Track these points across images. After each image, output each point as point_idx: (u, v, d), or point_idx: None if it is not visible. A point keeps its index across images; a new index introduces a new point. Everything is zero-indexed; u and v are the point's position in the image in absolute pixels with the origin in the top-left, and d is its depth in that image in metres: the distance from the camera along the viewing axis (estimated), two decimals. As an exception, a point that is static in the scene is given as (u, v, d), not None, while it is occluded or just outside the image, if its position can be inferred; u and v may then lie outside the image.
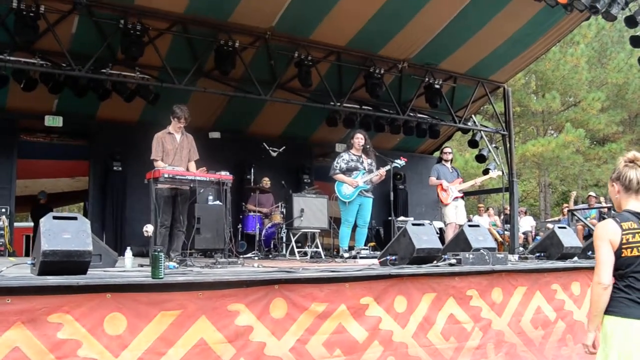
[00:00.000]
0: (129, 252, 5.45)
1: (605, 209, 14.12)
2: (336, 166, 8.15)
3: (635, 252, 3.04)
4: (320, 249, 8.97)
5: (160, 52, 8.96)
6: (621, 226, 3.07)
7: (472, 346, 5.35)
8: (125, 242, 9.57)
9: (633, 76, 23.01)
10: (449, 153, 9.69)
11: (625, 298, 3.06)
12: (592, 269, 6.53)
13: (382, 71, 10.83)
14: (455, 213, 9.13)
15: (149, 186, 6.49)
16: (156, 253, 3.84)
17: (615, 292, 3.09)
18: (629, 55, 22.13)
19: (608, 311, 3.09)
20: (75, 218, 3.93)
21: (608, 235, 3.09)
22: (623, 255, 3.06)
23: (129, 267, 5.24)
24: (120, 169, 10.74)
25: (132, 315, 3.66)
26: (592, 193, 15.17)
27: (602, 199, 15.54)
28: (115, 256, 5.15)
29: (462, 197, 9.35)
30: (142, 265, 5.37)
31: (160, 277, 3.84)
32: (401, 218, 11.88)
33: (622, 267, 3.08)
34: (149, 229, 5.92)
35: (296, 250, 8.84)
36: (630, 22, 9.49)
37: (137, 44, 8.58)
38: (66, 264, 3.73)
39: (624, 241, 3.05)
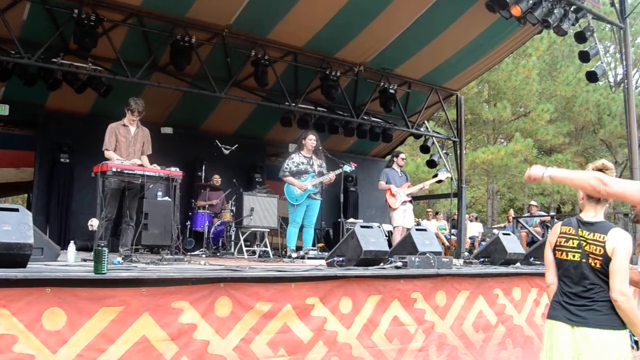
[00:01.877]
0: (72, 246, 5.33)
1: (548, 218, 14.55)
2: (286, 168, 8.11)
3: (564, 256, 3.18)
4: (268, 249, 8.96)
5: (114, 44, 8.79)
6: (561, 229, 3.22)
7: (415, 348, 5.44)
8: (70, 235, 9.36)
9: (581, 90, 23.71)
10: (404, 159, 9.78)
11: (555, 301, 3.22)
12: (532, 275, 6.79)
13: (338, 74, 10.91)
14: (403, 217, 9.24)
15: (96, 179, 6.37)
16: (99, 248, 3.77)
17: (554, 295, 3.26)
18: (577, 70, 22.79)
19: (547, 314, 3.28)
20: (16, 210, 3.83)
21: (549, 237, 3.30)
22: (555, 256, 3.24)
23: (72, 261, 5.13)
24: (67, 161, 10.49)
25: (72, 311, 3.59)
26: (533, 202, 15.56)
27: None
28: (57, 250, 5.03)
29: (410, 201, 9.46)
30: (85, 260, 5.26)
31: (103, 272, 3.78)
32: (351, 220, 11.95)
33: (557, 268, 3.26)
34: (93, 223, 5.81)
35: (244, 249, 8.81)
36: (580, 37, 9.83)
37: (91, 35, 8.41)
38: (5, 257, 3.63)
39: (557, 243, 3.22)
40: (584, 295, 3.09)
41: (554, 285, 3.27)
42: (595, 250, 3.06)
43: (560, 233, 3.22)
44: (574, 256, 3.14)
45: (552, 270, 3.28)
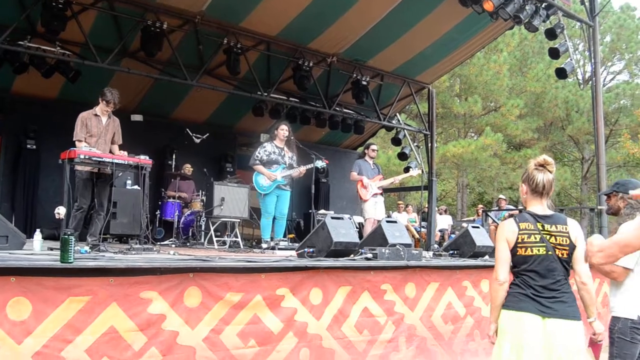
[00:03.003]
0: (38, 235, 5.22)
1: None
2: (257, 156, 8.06)
3: (529, 252, 3.23)
4: (239, 239, 8.91)
5: (83, 28, 8.59)
6: (519, 226, 3.26)
7: (385, 339, 5.47)
8: (37, 224, 9.18)
9: (550, 86, 24.08)
10: (375, 150, 9.81)
11: (520, 293, 3.24)
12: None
13: (311, 64, 10.86)
14: (374, 209, 9.26)
15: (63, 166, 6.24)
16: (66, 236, 3.70)
17: (512, 287, 3.29)
18: (547, 66, 23.13)
19: (504, 305, 3.29)
20: (-20, 196, 3.74)
21: (505, 234, 3.30)
22: (518, 253, 3.26)
23: (38, 250, 5.03)
24: (34, 147, 10.26)
25: (37, 301, 3.52)
26: (501, 196, 15.78)
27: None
28: (23, 238, 4.93)
29: (381, 194, 9.48)
30: (52, 249, 5.16)
31: (70, 261, 3.71)
32: (322, 211, 11.95)
33: (517, 264, 3.28)
34: (60, 211, 5.68)
35: (215, 239, 8.75)
36: (550, 34, 9.95)
37: (59, 18, 8.20)
38: (-32, 245, 3.55)
39: (519, 240, 3.25)
40: (553, 287, 3.18)
41: (507, 283, 3.31)
42: (562, 241, 3.20)
43: (520, 230, 3.25)
44: (539, 250, 3.21)
45: (506, 267, 3.30)
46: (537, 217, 3.26)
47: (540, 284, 3.19)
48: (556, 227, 3.22)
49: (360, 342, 5.25)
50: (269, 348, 4.59)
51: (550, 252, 3.20)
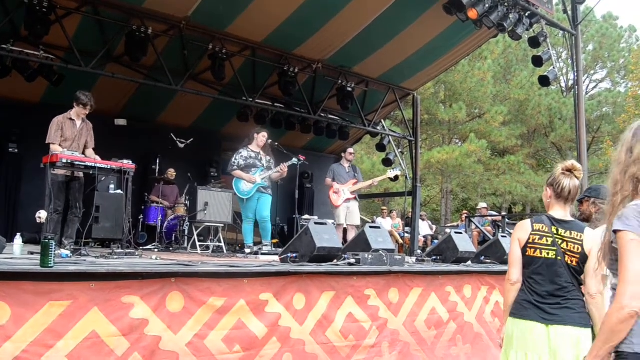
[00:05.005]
0: (18, 239, 5.18)
1: (499, 218, 14.84)
2: (234, 162, 8.05)
3: (537, 254, 3.19)
4: (222, 244, 8.88)
5: (67, 32, 8.53)
6: (533, 226, 3.24)
7: (369, 344, 5.48)
8: (18, 228, 9.09)
9: (534, 93, 24.31)
10: (351, 153, 9.79)
11: (524, 300, 3.20)
12: (483, 273, 6.89)
13: (296, 70, 10.86)
14: (346, 215, 9.21)
15: (45, 170, 6.21)
16: (46, 241, 3.68)
17: (519, 293, 3.24)
18: (531, 74, 23.35)
19: (511, 313, 3.25)
20: (-40, 200, 3.71)
21: (518, 234, 3.28)
22: (527, 253, 3.22)
23: (18, 254, 4.99)
24: (16, 151, 10.17)
25: (17, 305, 3.49)
26: (482, 204, 15.85)
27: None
28: (3, 242, 4.89)
29: (355, 199, 9.41)
30: (32, 253, 5.12)
31: (50, 265, 3.69)
32: (305, 216, 11.95)
33: (525, 265, 3.24)
34: (42, 215, 5.65)
35: (198, 244, 8.71)
36: (533, 42, 10.06)
37: (43, 22, 8.14)
38: (-53, 248, 3.51)
39: (530, 240, 3.21)
40: (557, 293, 3.13)
41: (519, 284, 3.26)
42: (574, 248, 3.16)
43: (533, 230, 3.23)
44: (548, 254, 3.18)
45: (519, 267, 3.26)
46: (553, 221, 3.23)
47: (545, 289, 3.15)
48: (570, 233, 3.18)
49: (344, 347, 5.25)
50: (253, 353, 4.58)
51: (559, 258, 3.15)
